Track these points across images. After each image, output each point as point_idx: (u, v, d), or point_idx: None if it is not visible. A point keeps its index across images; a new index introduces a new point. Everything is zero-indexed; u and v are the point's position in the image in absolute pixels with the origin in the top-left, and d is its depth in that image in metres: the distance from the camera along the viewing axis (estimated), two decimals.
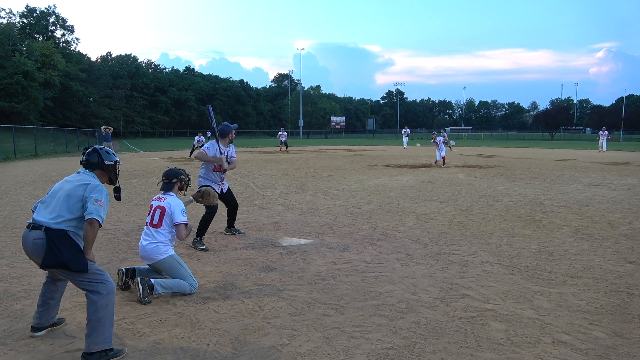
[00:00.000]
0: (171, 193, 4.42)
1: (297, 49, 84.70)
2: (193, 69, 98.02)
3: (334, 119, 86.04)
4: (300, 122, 79.15)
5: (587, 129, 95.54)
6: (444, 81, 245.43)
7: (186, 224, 4.26)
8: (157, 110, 79.06)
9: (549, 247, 5.80)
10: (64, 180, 3.28)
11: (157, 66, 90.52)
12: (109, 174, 3.37)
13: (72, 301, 3.91)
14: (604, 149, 30.22)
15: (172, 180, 4.49)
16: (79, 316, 3.61)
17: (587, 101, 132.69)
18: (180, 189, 4.59)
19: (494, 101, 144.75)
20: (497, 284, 4.42)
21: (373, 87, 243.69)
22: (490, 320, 3.61)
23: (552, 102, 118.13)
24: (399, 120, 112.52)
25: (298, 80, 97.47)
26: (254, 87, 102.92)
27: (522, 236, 6.35)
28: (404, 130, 33.91)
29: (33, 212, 3.25)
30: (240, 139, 61.51)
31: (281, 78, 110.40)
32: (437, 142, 18.15)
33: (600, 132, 31.99)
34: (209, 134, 28.51)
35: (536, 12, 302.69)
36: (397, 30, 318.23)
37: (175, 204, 4.26)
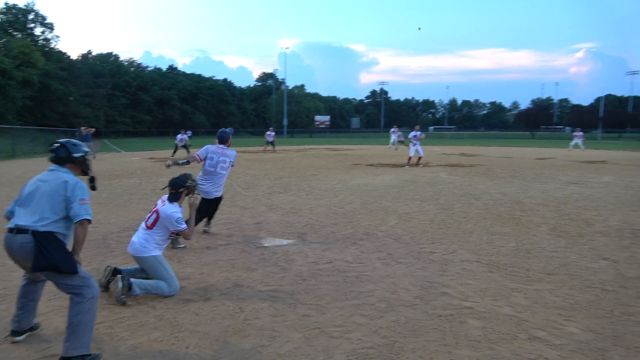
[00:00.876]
0: (174, 204, 4.34)
1: (282, 47, 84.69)
2: (176, 68, 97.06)
3: (318, 118, 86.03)
4: (285, 122, 78.97)
5: (567, 127, 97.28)
6: (427, 80, 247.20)
7: (186, 229, 4.27)
8: (139, 109, 78.01)
9: (527, 244, 5.91)
10: (37, 180, 3.20)
11: (139, 65, 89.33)
12: (81, 166, 3.32)
13: (49, 305, 3.85)
14: (582, 147, 30.80)
15: (179, 190, 4.43)
16: (56, 321, 3.56)
17: (566, 100, 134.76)
18: (189, 194, 4.57)
19: (476, 100, 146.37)
20: (475, 282, 4.49)
21: (357, 86, 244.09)
22: (468, 317, 3.67)
23: (533, 102, 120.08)
24: (382, 120, 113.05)
25: (282, 79, 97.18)
26: (238, 86, 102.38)
27: (501, 234, 6.45)
28: (392, 129, 33.93)
29: (7, 216, 3.18)
30: None
31: (265, 77, 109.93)
32: (410, 139, 17.70)
33: (575, 133, 32.70)
34: (189, 132, 27.95)
35: (518, 13, 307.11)
36: (381, 30, 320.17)
37: (169, 214, 4.18)
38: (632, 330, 3.46)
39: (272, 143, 28.86)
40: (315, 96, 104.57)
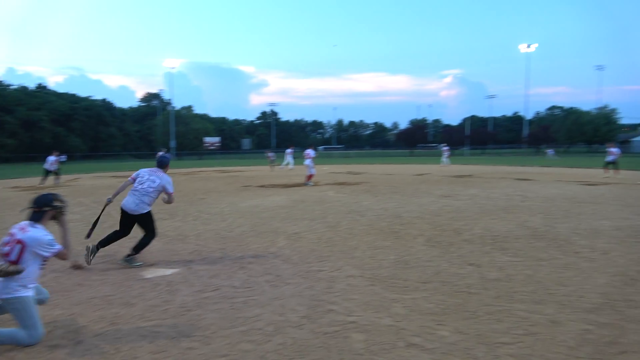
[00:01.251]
0: (38, 225, 3.80)
1: (168, 67, 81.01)
2: (46, 87, 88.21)
3: (207, 139, 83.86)
4: (172, 144, 75.84)
5: (440, 145, 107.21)
6: (315, 102, 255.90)
7: (61, 251, 3.82)
8: (1, 132, 69.30)
9: (406, 256, 6.33)
10: None
11: (0, 82, 79.63)
12: None
13: None
14: (447, 163, 34.26)
15: (43, 209, 3.88)
16: None
17: (439, 121, 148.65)
18: (54, 217, 3.99)
19: (361, 121, 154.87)
20: (359, 296, 4.69)
21: (248, 107, 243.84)
22: (352, 332, 3.80)
23: (410, 122, 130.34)
24: (273, 140, 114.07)
25: (169, 99, 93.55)
26: (119, 106, 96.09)
27: (382, 248, 6.84)
28: (288, 150, 34.39)
29: None
30: (104, 163, 56.73)
31: (150, 97, 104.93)
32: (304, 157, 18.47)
33: (443, 148, 36.56)
34: (64, 157, 25.51)
35: (395, 40, 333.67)
36: (270, 52, 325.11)
37: (37, 238, 3.69)
38: (492, 328, 3.86)
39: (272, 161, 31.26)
40: (205, 117, 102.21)
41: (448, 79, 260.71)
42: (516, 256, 6.27)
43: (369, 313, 4.22)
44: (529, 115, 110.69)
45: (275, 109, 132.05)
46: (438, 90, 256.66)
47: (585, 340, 3.61)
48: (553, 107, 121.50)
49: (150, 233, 6.29)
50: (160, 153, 6.23)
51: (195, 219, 9.77)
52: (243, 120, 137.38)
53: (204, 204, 12.40)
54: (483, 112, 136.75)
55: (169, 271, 5.75)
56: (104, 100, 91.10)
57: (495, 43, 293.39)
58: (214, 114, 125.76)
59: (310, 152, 19.27)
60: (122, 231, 6.30)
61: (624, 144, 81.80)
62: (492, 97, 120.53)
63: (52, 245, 3.76)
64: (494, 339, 3.64)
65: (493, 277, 5.33)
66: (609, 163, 22.10)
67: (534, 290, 4.83)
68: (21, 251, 3.67)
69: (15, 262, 3.63)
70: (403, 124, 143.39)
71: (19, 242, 3.68)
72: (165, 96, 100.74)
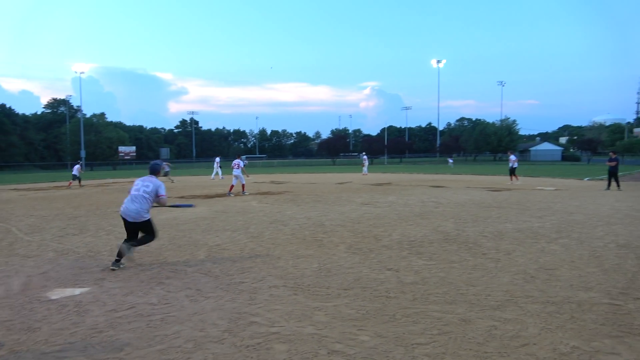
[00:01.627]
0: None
1: (76, 72, 75.61)
2: None
3: (122, 149, 79.65)
4: (82, 153, 70.86)
5: (361, 154, 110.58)
6: (237, 111, 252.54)
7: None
8: None
9: (328, 264, 6.43)
10: None
11: None
12: None
13: None
14: (365, 172, 35.50)
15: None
16: None
17: (359, 131, 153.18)
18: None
19: (284, 130, 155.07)
20: (282, 306, 4.67)
21: (166, 115, 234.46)
22: (274, 343, 3.78)
23: (332, 132, 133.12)
24: (194, 149, 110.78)
25: (78, 106, 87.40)
26: (20, 113, 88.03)
27: (305, 257, 6.89)
28: (217, 159, 33.59)
29: None
30: (3, 174, 51.48)
31: (57, 104, 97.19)
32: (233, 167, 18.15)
33: (363, 157, 37.93)
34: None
35: (316, 52, 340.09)
36: (189, 60, 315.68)
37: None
38: (409, 330, 4.03)
39: (78, 177, 25.93)
40: (119, 125, 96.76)
41: (367, 91, 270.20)
42: (431, 260, 6.61)
43: (292, 323, 4.22)
44: (441, 126, 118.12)
45: (196, 118, 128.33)
46: (358, 101, 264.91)
47: (492, 335, 3.88)
48: (462, 119, 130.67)
49: (151, 235, 6.72)
50: (153, 162, 7.21)
51: (109, 234, 9.19)
52: (161, 128, 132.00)
53: (118, 217, 11.67)
54: (400, 123, 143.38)
55: (77, 291, 5.34)
56: (2, 106, 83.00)
57: (410, 57, 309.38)
58: (129, 122, 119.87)
59: (238, 162, 18.85)
60: (130, 237, 6.66)
61: (523, 153, 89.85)
62: (407, 108, 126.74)
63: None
64: (411, 340, 3.80)
65: (410, 280, 5.57)
66: (513, 170, 24.01)
67: (447, 291, 5.12)
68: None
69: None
70: (325, 134, 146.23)
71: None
72: (74, 102, 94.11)
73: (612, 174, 18.82)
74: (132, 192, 6.68)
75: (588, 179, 26.46)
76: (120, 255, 6.34)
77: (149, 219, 6.62)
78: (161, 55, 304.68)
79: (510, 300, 4.80)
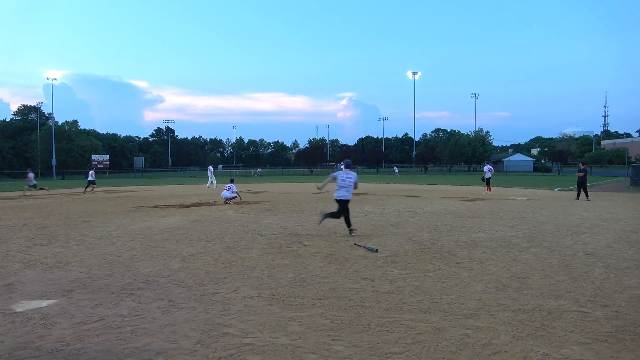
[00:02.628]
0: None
1: (48, 78, 73.85)
2: None
3: (95, 157, 78.08)
4: (53, 162, 69.10)
5: (338, 164, 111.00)
6: (214, 120, 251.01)
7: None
8: None
9: (303, 274, 6.40)
10: None
11: None
12: None
13: None
14: None
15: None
16: None
17: (337, 141, 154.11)
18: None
19: (261, 140, 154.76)
20: (256, 317, 4.62)
21: (141, 123, 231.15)
22: (247, 354, 3.72)
23: (310, 142, 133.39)
24: (170, 158, 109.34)
25: (49, 113, 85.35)
26: None
27: (281, 267, 6.84)
28: (210, 168, 33.46)
29: None
30: None
31: (27, 110, 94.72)
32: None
33: (341, 166, 37.88)
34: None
35: (293, 62, 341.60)
36: (165, 68, 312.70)
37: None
38: (383, 339, 4.03)
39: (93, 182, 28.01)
40: (92, 133, 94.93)
41: (344, 101, 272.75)
42: (406, 269, 6.66)
43: (266, 333, 4.17)
44: (417, 136, 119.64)
45: (172, 126, 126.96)
46: (335, 111, 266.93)
47: (464, 344, 3.92)
48: (438, 130, 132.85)
49: (341, 212, 9.75)
50: (347, 160, 10.83)
51: (79, 244, 8.94)
52: (136, 137, 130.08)
53: (89, 227, 11.42)
54: (377, 133, 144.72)
55: (44, 303, 5.17)
56: None
57: (387, 69, 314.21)
58: (103, 130, 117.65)
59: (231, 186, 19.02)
60: (340, 214, 9.76)
61: (496, 163, 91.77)
62: (384, 119, 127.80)
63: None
64: (385, 350, 3.80)
65: (385, 290, 5.58)
66: (488, 180, 24.40)
67: (421, 300, 5.16)
68: None
69: None
70: (303, 143, 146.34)
71: None
72: (46, 109, 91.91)
73: (581, 185, 19.38)
74: (340, 182, 9.87)
75: (558, 190, 27.18)
76: (349, 224, 9.75)
77: (350, 199, 9.84)
78: (136, 63, 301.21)
79: (483, 308, 4.86)
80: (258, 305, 4.99)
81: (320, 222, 10.15)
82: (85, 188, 28.12)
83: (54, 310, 4.89)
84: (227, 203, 17.74)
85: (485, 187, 24.27)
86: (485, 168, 24.76)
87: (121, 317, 4.65)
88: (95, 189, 28.69)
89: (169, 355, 3.70)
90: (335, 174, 10.06)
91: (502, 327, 4.30)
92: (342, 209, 9.70)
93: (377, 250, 7.91)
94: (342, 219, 9.93)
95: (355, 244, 8.59)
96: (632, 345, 3.88)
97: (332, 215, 9.81)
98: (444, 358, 3.64)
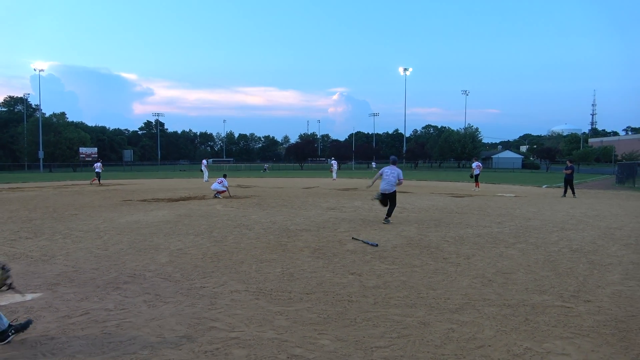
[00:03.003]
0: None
1: (36, 70, 72.65)
2: None
3: (83, 150, 77.11)
4: (40, 154, 68.15)
5: (329, 159, 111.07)
6: (204, 114, 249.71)
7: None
8: None
9: (291, 268, 6.41)
10: None
11: None
12: None
13: None
14: (334, 177, 35.45)
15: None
16: None
17: (327, 136, 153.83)
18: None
19: (252, 134, 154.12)
20: (243, 311, 4.62)
21: (131, 116, 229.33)
22: (234, 348, 3.73)
23: (300, 136, 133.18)
24: (159, 152, 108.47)
25: (37, 105, 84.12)
26: None
27: (269, 261, 6.84)
28: (204, 161, 33.38)
29: None
30: None
31: (13, 102, 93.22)
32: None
33: (332, 162, 37.85)
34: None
35: (284, 56, 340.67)
36: (155, 60, 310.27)
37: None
38: (369, 333, 4.06)
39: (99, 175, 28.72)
40: (80, 126, 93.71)
41: (335, 96, 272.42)
42: (393, 264, 6.70)
43: (252, 327, 4.18)
44: (407, 132, 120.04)
45: (161, 120, 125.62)
46: (326, 106, 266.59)
47: (449, 338, 3.96)
48: (428, 126, 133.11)
49: (394, 203, 11.11)
50: (392, 157, 11.96)
51: (65, 237, 8.85)
52: (125, 130, 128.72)
53: (76, 220, 11.31)
54: (368, 129, 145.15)
55: (29, 296, 5.12)
56: None
57: (378, 65, 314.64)
58: (91, 122, 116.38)
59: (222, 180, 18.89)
60: (386, 204, 11.10)
61: (486, 160, 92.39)
62: (375, 114, 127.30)
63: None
64: (370, 344, 3.83)
65: (372, 284, 5.62)
66: (477, 177, 24.53)
67: (408, 295, 5.20)
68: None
69: None
70: (293, 138, 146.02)
71: None
72: (33, 101, 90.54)
73: (568, 182, 19.60)
74: (385, 177, 10.98)
75: (546, 187, 27.47)
76: (388, 213, 11.00)
77: (395, 191, 11.05)
78: (126, 55, 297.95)
79: (468, 303, 4.91)
80: (245, 300, 4.99)
81: (374, 199, 11.89)
82: (99, 180, 28.74)
83: (38, 304, 4.85)
84: (216, 197, 17.66)
85: (474, 184, 24.42)
86: (474, 165, 24.88)
87: (107, 311, 4.62)
88: (95, 181, 28.67)
89: (155, 349, 3.69)
90: (382, 169, 11.27)
91: (487, 322, 4.35)
92: (386, 199, 11.01)
93: (377, 245, 7.94)
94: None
95: (353, 238, 8.62)
96: (613, 340, 3.95)
97: (381, 202, 11.31)
98: (428, 352, 3.67)
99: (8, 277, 3.88)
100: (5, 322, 3.84)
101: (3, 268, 3.84)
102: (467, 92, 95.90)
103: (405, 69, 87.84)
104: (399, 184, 10.93)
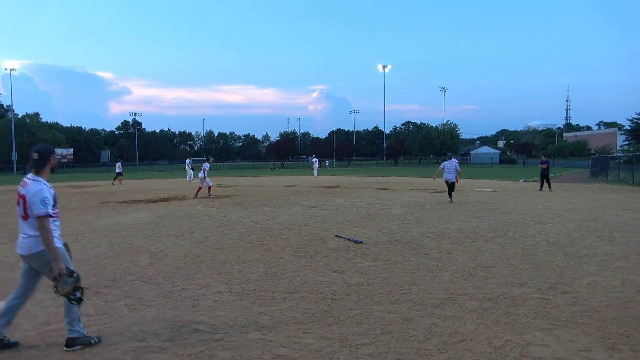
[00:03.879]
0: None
1: (7, 69, 70.59)
2: None
3: (58, 151, 75.35)
4: (14, 156, 66.35)
5: (310, 157, 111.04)
6: (183, 112, 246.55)
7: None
8: None
9: (274, 267, 6.40)
10: None
11: None
12: None
13: None
14: (315, 175, 35.03)
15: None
16: None
17: (308, 134, 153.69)
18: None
19: (231, 133, 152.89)
20: (227, 312, 4.59)
21: (107, 116, 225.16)
22: (218, 350, 3.70)
23: (281, 134, 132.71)
24: (137, 152, 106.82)
25: (9, 105, 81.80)
26: None
27: (251, 261, 6.82)
28: (187, 161, 32.79)
29: None
30: None
31: None
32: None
33: (314, 160, 37.55)
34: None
35: (263, 54, 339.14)
36: (131, 59, 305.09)
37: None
38: (353, 331, 4.08)
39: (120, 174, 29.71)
40: (55, 126, 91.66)
41: (315, 94, 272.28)
42: (376, 261, 6.74)
43: (236, 329, 4.16)
44: (387, 129, 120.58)
45: (139, 119, 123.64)
46: (306, 104, 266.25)
47: (432, 333, 4.01)
48: (407, 123, 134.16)
49: (453, 188, 15.01)
50: (449, 153, 16.22)
51: None
52: (102, 130, 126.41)
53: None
54: (348, 126, 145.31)
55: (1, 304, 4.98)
56: None
57: (357, 62, 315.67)
58: (66, 123, 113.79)
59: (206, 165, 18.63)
60: (451, 189, 14.96)
61: (464, 156, 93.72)
62: (355, 112, 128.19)
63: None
64: (355, 341, 3.85)
65: (355, 282, 5.65)
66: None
67: (390, 291, 5.24)
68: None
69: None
70: (274, 136, 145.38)
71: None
72: (5, 101, 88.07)
73: (544, 176, 20.03)
74: (447, 169, 14.95)
75: (523, 181, 28.02)
76: (450, 195, 14.94)
77: (454, 181, 14.96)
78: (101, 53, 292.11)
79: (450, 298, 4.98)
80: (228, 301, 4.96)
81: (451, 200, 14.65)
82: (114, 179, 29.99)
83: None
84: (196, 197, 17.51)
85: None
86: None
87: (87, 316, 4.53)
88: (119, 180, 29.74)
89: (138, 354, 3.64)
90: (443, 163, 15.24)
91: (468, 316, 4.42)
92: (450, 186, 14.93)
93: (362, 242, 7.98)
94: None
95: (336, 235, 8.64)
96: (590, 330, 4.05)
97: (449, 193, 14.95)
98: (412, 347, 3.71)
99: (79, 287, 3.72)
100: (82, 330, 3.80)
101: (72, 275, 3.68)
102: (445, 88, 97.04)
103: (384, 66, 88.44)
104: (458, 173, 15.22)
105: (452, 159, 15.27)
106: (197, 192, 18.07)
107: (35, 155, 3.85)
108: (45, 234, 3.60)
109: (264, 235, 8.91)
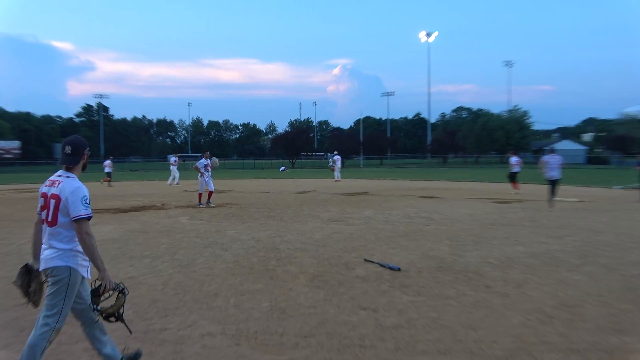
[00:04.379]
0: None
1: None
2: None
3: (1, 144, 77.24)
4: None
5: (328, 154, 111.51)
6: (164, 94, 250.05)
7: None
8: None
9: (282, 302, 6.39)
10: None
11: None
12: None
13: None
14: (338, 177, 35.27)
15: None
16: None
17: (326, 123, 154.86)
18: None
19: (226, 121, 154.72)
20: None
21: (64, 99, 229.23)
22: None
23: (291, 124, 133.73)
24: (102, 145, 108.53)
25: None
26: None
27: (252, 292, 6.82)
28: (172, 159, 33.89)
29: None
30: None
31: None
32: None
33: (335, 157, 37.49)
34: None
35: (268, 19, 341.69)
36: (97, 26, 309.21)
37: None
38: None
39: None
40: None
41: (336, 71, 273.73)
42: (419, 295, 6.68)
43: None
44: (433, 117, 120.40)
45: (105, 103, 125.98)
46: (325, 84, 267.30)
47: None
48: (459, 109, 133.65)
49: (552, 187, 17.10)
50: (550, 147, 18.74)
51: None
52: (57, 117, 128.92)
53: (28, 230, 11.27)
54: (380, 113, 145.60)
55: None
56: None
57: (392, 28, 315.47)
58: (11, 108, 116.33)
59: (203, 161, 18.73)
60: (553, 187, 17.14)
61: (537, 153, 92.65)
62: (389, 94, 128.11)
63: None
64: None
65: (391, 323, 5.59)
66: (514, 175, 24.61)
67: (440, 337, 5.17)
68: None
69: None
70: (282, 127, 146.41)
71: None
72: None
73: None
74: (549, 165, 17.19)
75: (619, 188, 27.56)
76: (552, 194, 16.97)
77: (559, 178, 17.20)
78: (58, 19, 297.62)
79: (522, 348, 4.89)
80: (221, 346, 4.96)
81: (552, 205, 16.63)
82: (108, 180, 32.52)
83: None
84: (200, 206, 17.68)
85: (511, 185, 24.44)
86: (512, 160, 24.93)
87: None
88: (107, 181, 32.18)
89: None
90: (545, 158, 17.51)
91: None
92: (553, 185, 16.89)
93: (399, 269, 7.95)
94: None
95: (365, 260, 8.61)
96: None
97: (551, 192, 16.89)
98: None
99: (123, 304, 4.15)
100: (118, 353, 4.26)
101: (122, 291, 4.10)
102: (510, 63, 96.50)
103: (428, 34, 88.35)
104: (562, 167, 17.48)
105: (554, 152, 18.12)
106: (200, 199, 18.12)
107: (68, 149, 4.05)
108: (88, 240, 3.87)
109: (268, 258, 8.93)
